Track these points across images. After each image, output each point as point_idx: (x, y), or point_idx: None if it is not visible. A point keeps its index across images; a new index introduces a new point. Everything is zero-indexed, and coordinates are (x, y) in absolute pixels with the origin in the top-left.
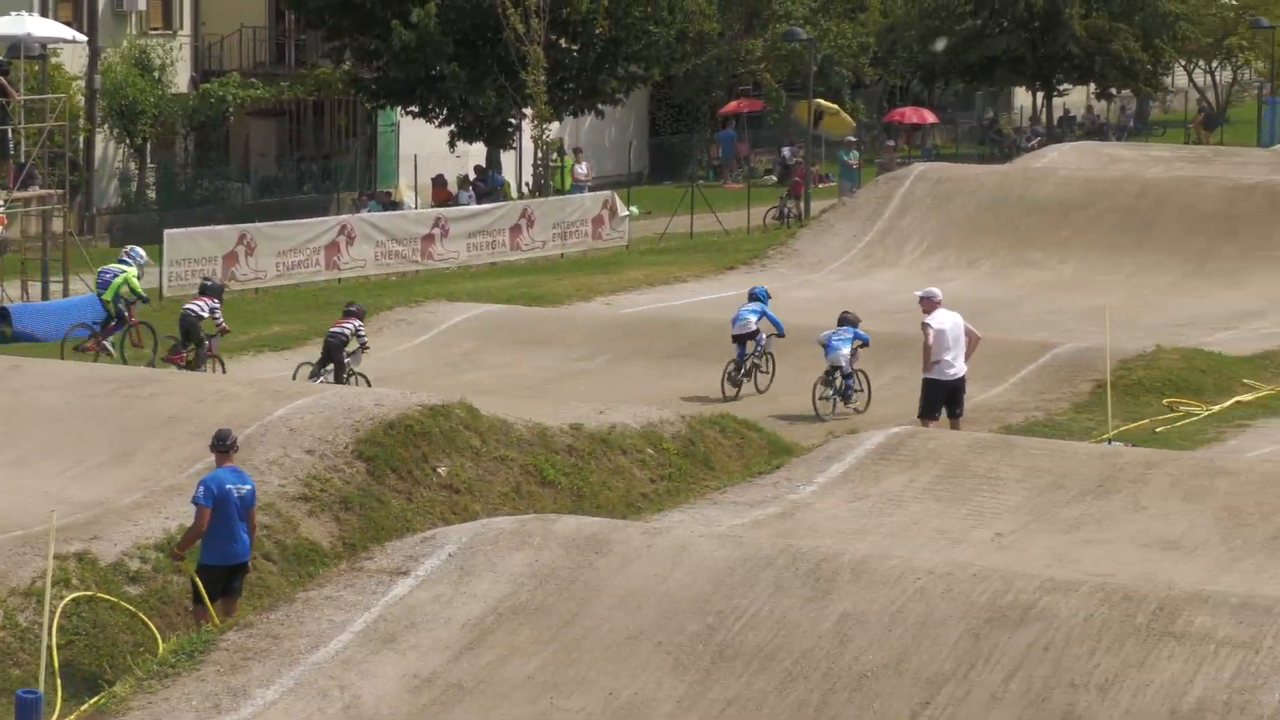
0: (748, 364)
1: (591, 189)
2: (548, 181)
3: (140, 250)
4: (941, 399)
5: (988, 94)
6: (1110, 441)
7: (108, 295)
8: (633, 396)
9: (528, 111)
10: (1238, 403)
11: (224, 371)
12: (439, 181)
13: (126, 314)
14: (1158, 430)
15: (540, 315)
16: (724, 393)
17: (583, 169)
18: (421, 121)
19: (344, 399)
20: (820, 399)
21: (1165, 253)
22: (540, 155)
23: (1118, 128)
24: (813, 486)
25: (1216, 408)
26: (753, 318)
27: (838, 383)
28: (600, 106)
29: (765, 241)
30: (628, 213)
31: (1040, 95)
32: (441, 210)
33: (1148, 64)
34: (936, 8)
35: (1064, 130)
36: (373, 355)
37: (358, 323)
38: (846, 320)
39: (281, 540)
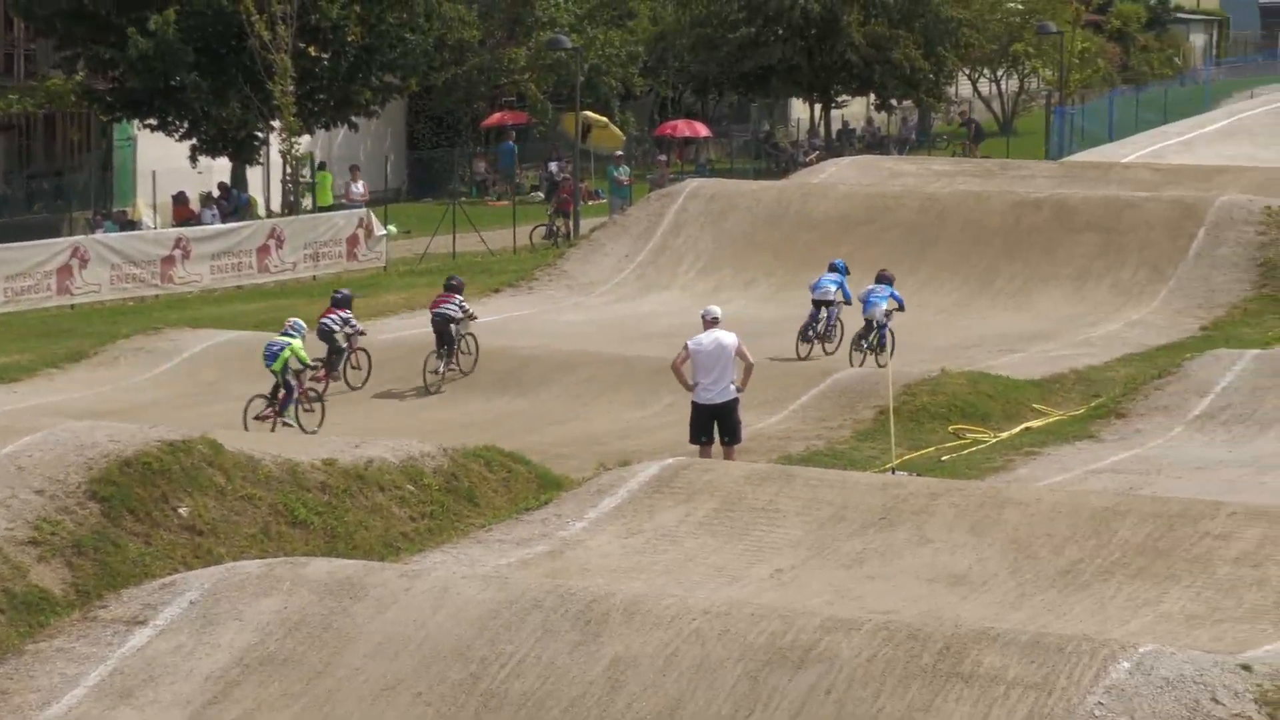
0: (820, 327)
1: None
2: (297, 199)
3: (301, 322)
4: (705, 423)
5: (763, 105)
6: (894, 471)
7: (276, 367)
8: (388, 430)
9: (275, 124)
10: (1026, 429)
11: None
12: (180, 199)
13: (295, 383)
14: (943, 459)
15: None
16: (797, 351)
17: (360, 188)
18: (161, 135)
19: (76, 435)
20: (854, 351)
21: (949, 271)
22: (289, 171)
23: (899, 140)
24: (583, 522)
25: (1004, 434)
26: (832, 287)
27: (872, 336)
28: (353, 118)
29: (533, 262)
30: (385, 232)
31: (818, 107)
32: (182, 230)
33: (929, 73)
34: (708, 15)
35: (843, 143)
36: (107, 388)
37: (346, 313)
38: (884, 278)
39: (9, 588)
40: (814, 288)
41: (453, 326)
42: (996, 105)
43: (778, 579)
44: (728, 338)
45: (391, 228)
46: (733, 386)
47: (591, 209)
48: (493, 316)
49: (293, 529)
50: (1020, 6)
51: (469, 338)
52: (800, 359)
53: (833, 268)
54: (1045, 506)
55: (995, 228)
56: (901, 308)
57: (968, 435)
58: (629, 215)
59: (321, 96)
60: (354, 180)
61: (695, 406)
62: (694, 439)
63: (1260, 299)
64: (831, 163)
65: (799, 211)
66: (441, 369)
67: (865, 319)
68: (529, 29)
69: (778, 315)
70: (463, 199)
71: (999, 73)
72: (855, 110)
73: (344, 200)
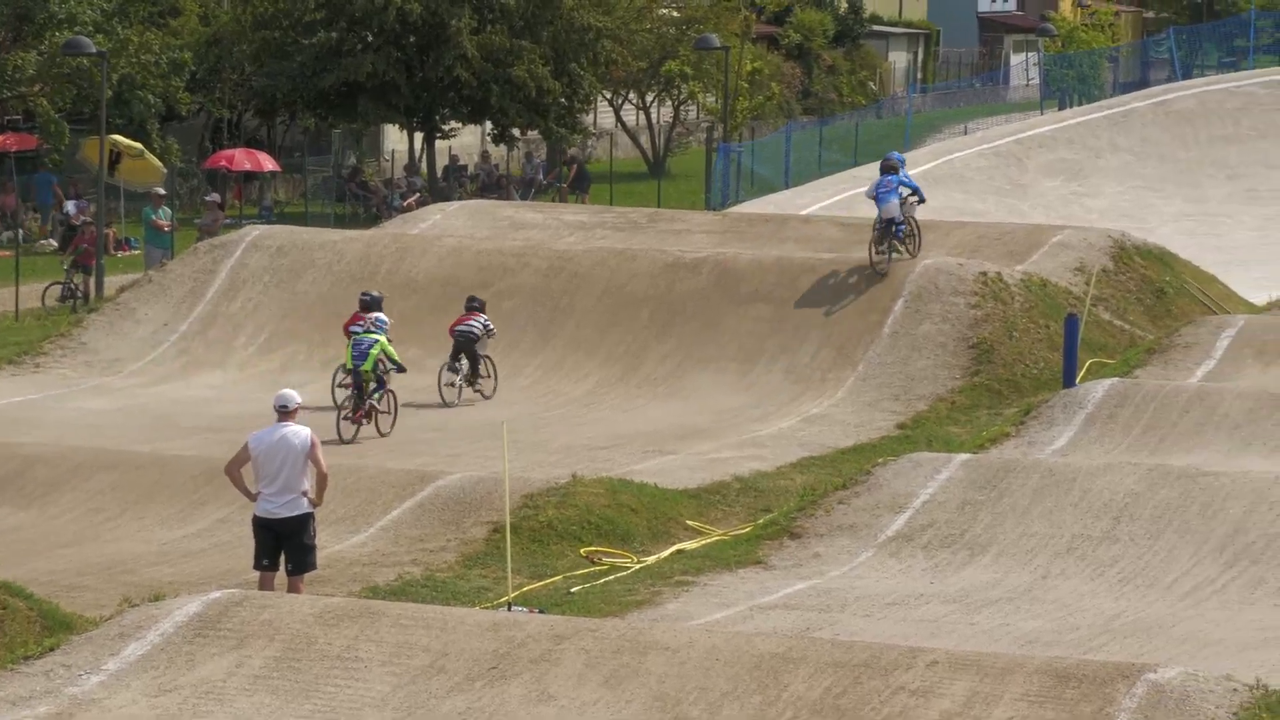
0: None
1: None
2: None
3: (386, 317)
4: (269, 544)
5: (348, 133)
6: (510, 607)
7: (367, 366)
8: None
9: None
10: (678, 551)
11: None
12: None
13: (386, 381)
14: (573, 590)
15: None
16: (871, 262)
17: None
18: None
19: None
20: (877, 254)
21: (585, 351)
22: None
23: (523, 182)
24: (100, 675)
25: (650, 559)
26: (895, 200)
27: (890, 235)
28: None
29: (41, 331)
30: None
31: (419, 136)
32: None
33: (560, 96)
34: (275, 14)
35: (451, 184)
36: None
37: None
38: (890, 167)
39: None
40: (879, 199)
41: (475, 345)
42: (646, 139)
43: None
44: (299, 435)
45: None
46: (304, 499)
47: (121, 262)
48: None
49: None
50: (675, 14)
51: (488, 360)
52: (875, 269)
53: (889, 168)
54: (699, 652)
55: (643, 296)
56: (919, 196)
57: (604, 560)
58: (170, 272)
59: None
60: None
61: (256, 522)
62: (257, 563)
63: (972, 389)
64: (436, 208)
65: (393, 271)
66: (458, 382)
67: (883, 215)
68: (40, 28)
69: None
70: None
71: (649, 98)
72: (467, 142)
73: None
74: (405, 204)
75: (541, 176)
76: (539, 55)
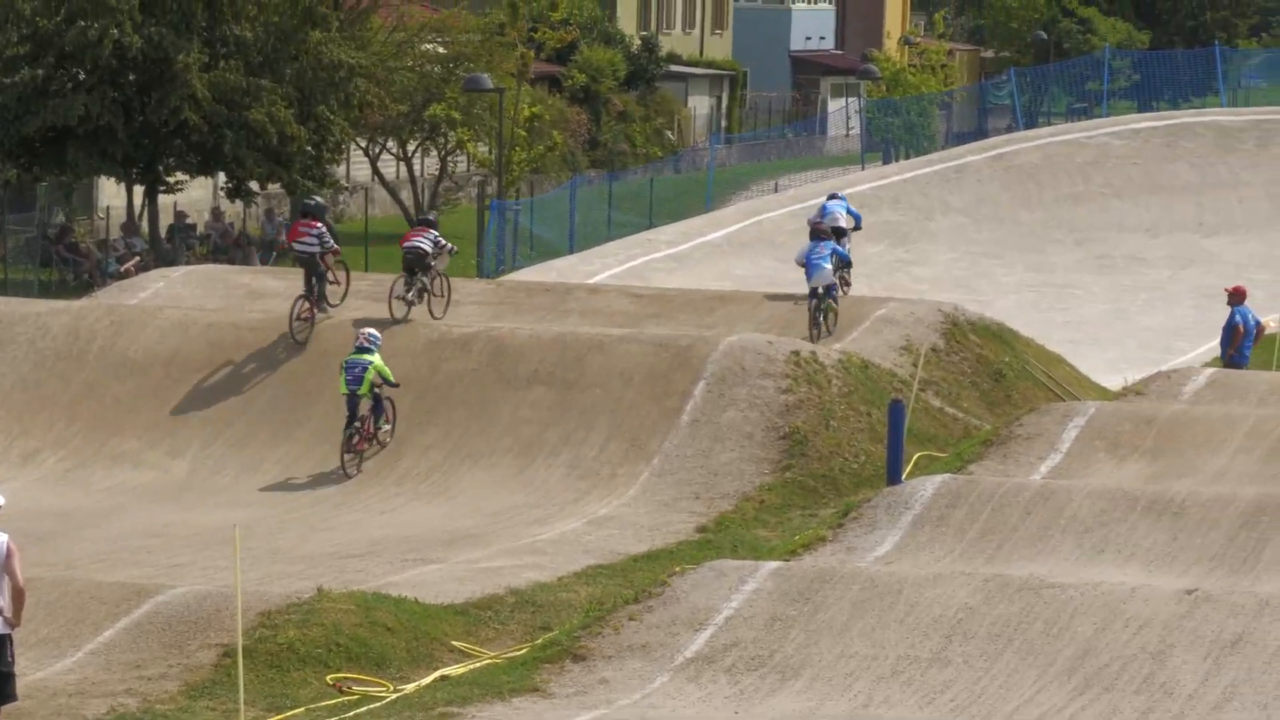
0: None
1: None
2: None
3: (377, 334)
4: None
5: (56, 186)
6: None
7: (364, 390)
8: None
9: None
10: (442, 678)
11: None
12: None
13: (385, 400)
14: None
15: None
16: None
17: None
18: None
19: None
20: (813, 326)
21: (333, 441)
22: None
23: (263, 244)
24: None
25: (409, 687)
26: (828, 266)
27: (825, 303)
28: None
29: None
30: None
31: (140, 190)
32: None
33: (306, 144)
34: None
35: (178, 246)
36: None
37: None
38: (820, 233)
39: None
40: (821, 214)
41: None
42: (407, 194)
43: None
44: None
45: None
46: None
47: None
48: None
49: None
50: (441, 50)
51: (443, 278)
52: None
53: (834, 196)
54: None
55: (403, 377)
56: (847, 264)
57: (355, 689)
58: None
59: None
60: None
61: None
62: None
63: (783, 486)
64: (159, 274)
65: (107, 348)
66: (409, 298)
67: (814, 284)
68: None
69: (77, 504)
70: None
71: (411, 147)
72: (196, 196)
73: None
74: (123, 269)
75: (284, 237)
76: (281, 96)
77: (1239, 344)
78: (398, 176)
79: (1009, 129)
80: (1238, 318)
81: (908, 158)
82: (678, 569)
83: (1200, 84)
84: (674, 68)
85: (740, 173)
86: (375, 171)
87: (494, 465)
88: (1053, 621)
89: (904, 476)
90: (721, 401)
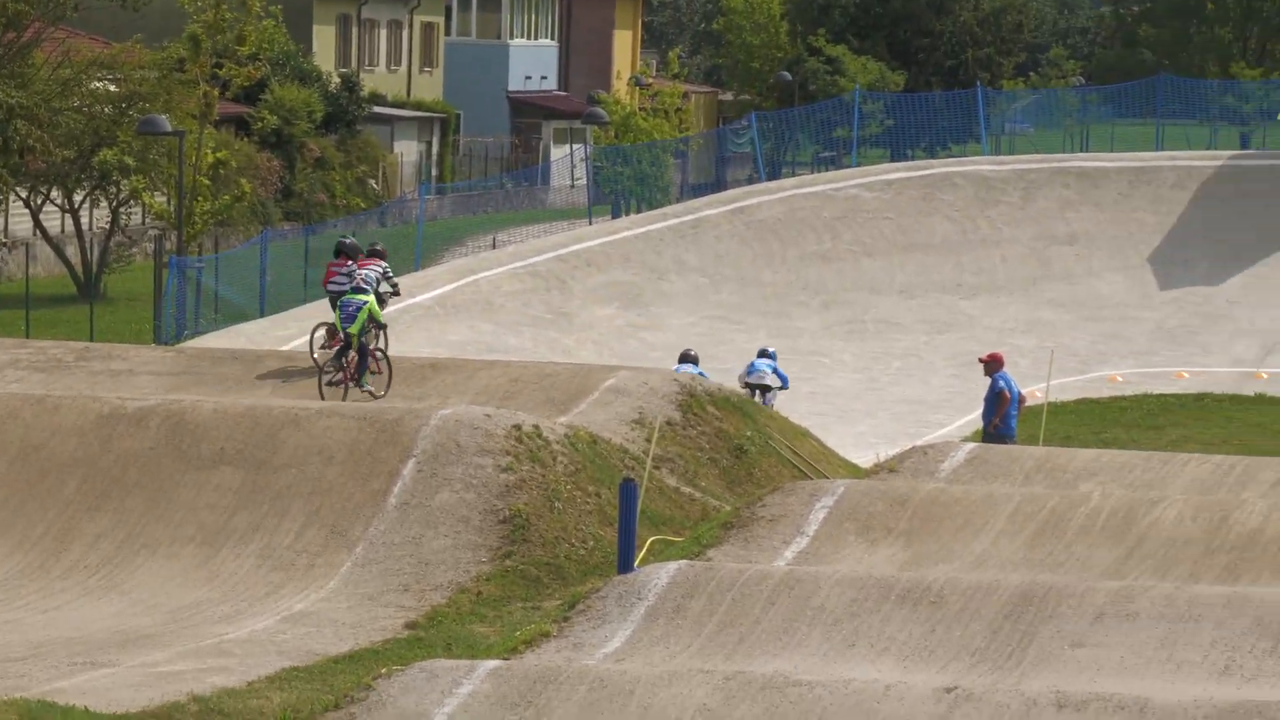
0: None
1: None
2: None
3: (372, 274)
4: None
5: None
6: None
7: (355, 329)
8: None
9: None
10: None
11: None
12: None
13: (370, 345)
14: None
15: None
16: None
17: None
18: None
19: None
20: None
21: None
22: None
23: None
24: None
25: None
26: (768, 370)
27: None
28: None
29: None
30: None
31: None
32: None
33: None
34: None
35: None
36: None
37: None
38: (765, 354)
39: None
40: (748, 371)
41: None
42: (74, 250)
43: None
44: None
45: None
46: None
47: None
48: None
49: None
50: (113, 89)
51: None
52: None
53: (764, 354)
54: None
55: (69, 459)
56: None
57: None
58: None
59: None
60: None
61: None
62: None
63: (503, 575)
64: None
65: None
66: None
67: (752, 381)
68: None
69: None
70: None
71: (78, 198)
72: None
73: None
74: None
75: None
76: None
77: (1004, 413)
78: (63, 230)
79: (750, 180)
80: (1001, 383)
81: (640, 211)
82: (384, 671)
83: (960, 129)
84: (378, 109)
85: (453, 226)
86: (37, 225)
87: (174, 556)
88: None
89: (636, 564)
90: (434, 482)
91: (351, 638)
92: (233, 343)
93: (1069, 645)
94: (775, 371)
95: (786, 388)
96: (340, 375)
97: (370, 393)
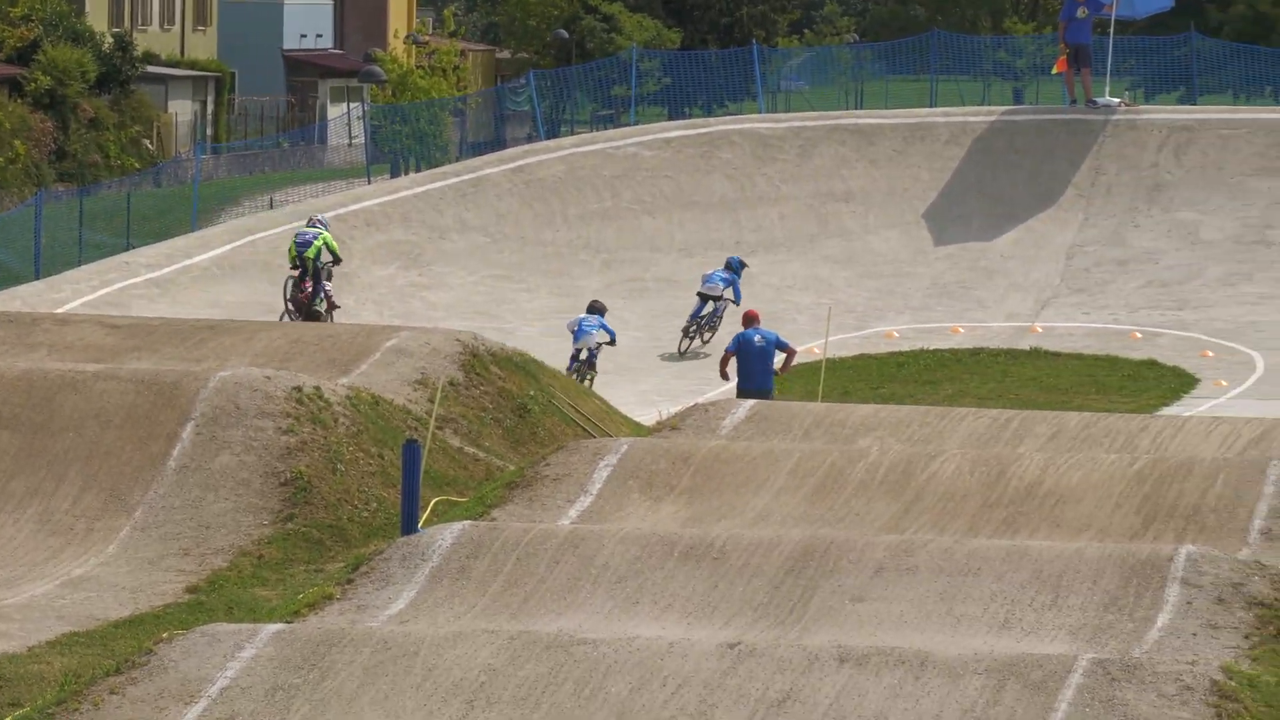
0: (704, 320)
1: None
2: None
3: (325, 216)
4: None
5: None
6: None
7: (310, 254)
8: None
9: None
10: None
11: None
12: None
13: (323, 275)
14: None
15: None
16: (679, 347)
17: None
18: None
19: None
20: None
21: None
22: None
23: None
24: None
25: None
26: (721, 284)
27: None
28: None
29: None
30: None
31: None
32: None
33: None
34: None
35: None
36: None
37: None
38: (595, 309)
39: None
40: (704, 280)
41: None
42: None
43: None
44: None
45: None
46: None
47: None
48: None
49: None
50: None
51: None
52: (680, 354)
53: (728, 265)
54: None
55: None
56: (612, 340)
57: None
58: None
59: None
60: None
61: None
62: None
63: (285, 538)
64: None
65: None
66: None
67: (578, 346)
68: None
69: None
70: None
71: None
72: None
73: None
74: None
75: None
76: None
77: (731, 367)
78: None
79: (529, 138)
80: (734, 340)
81: (419, 170)
82: (165, 635)
83: (737, 88)
84: (152, 69)
85: (230, 186)
86: None
87: None
88: (584, 682)
89: (420, 525)
90: (214, 445)
91: (132, 602)
92: (7, 306)
93: (850, 600)
94: (731, 286)
95: (614, 343)
96: (301, 296)
97: (320, 313)
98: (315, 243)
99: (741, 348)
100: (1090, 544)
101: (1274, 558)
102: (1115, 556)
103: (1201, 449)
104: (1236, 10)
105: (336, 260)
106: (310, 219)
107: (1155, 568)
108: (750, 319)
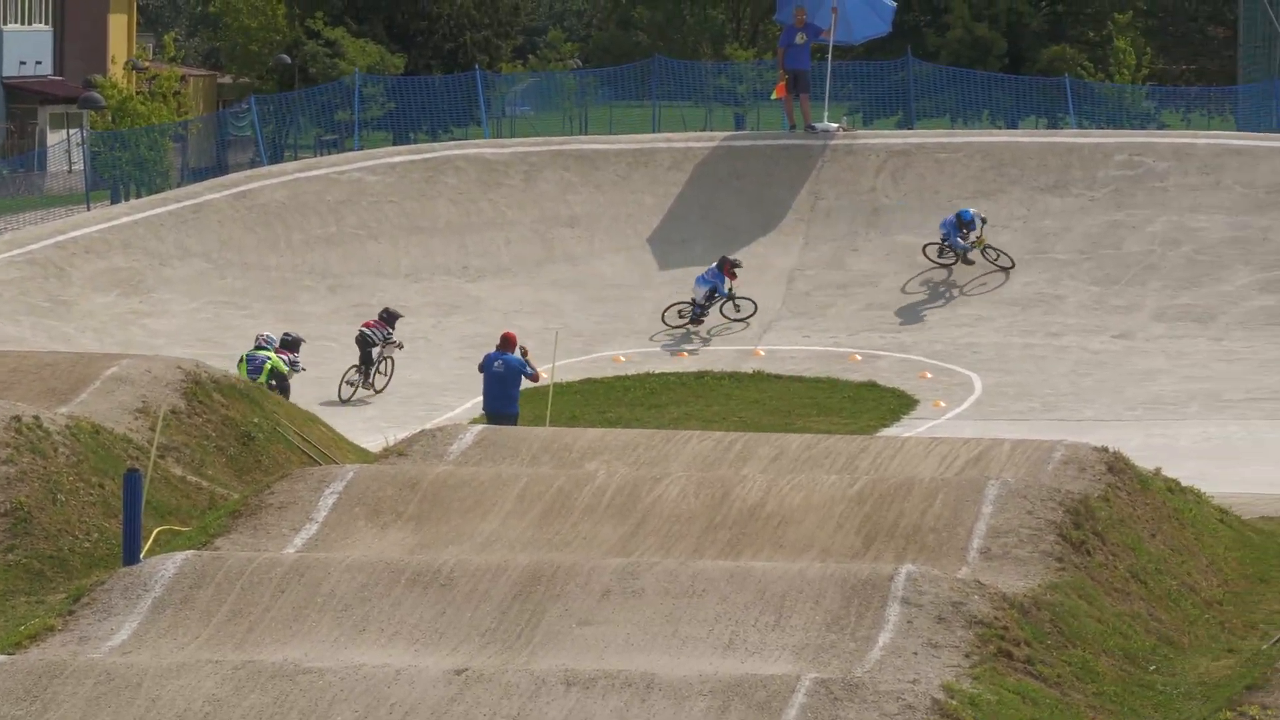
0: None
1: None
2: None
3: (271, 334)
4: None
5: None
6: None
7: (262, 379)
8: None
9: None
10: None
11: None
12: None
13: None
14: None
15: None
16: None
17: None
18: None
19: None
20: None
21: None
22: None
23: None
24: None
25: None
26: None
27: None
28: None
29: None
30: None
31: None
32: None
33: None
34: None
35: None
36: None
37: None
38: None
39: None
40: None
41: (374, 350)
42: None
43: None
44: None
45: None
46: None
47: None
48: None
49: None
50: None
51: (389, 360)
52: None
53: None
54: None
55: None
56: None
57: None
58: None
59: None
60: None
61: None
62: None
63: (6, 570)
64: None
65: None
66: (358, 382)
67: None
68: None
69: None
70: None
71: None
72: None
73: None
74: None
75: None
76: None
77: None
78: None
79: (252, 163)
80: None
81: (140, 196)
82: None
83: (462, 112)
84: None
85: None
86: None
87: None
88: (310, 711)
89: (143, 555)
90: None
91: None
92: None
93: (577, 624)
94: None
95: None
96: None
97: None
98: (265, 367)
99: (482, 369)
100: (812, 564)
101: (992, 577)
102: (837, 576)
103: (920, 469)
104: (954, 35)
105: (285, 377)
106: (258, 338)
107: (876, 587)
108: (506, 341)
